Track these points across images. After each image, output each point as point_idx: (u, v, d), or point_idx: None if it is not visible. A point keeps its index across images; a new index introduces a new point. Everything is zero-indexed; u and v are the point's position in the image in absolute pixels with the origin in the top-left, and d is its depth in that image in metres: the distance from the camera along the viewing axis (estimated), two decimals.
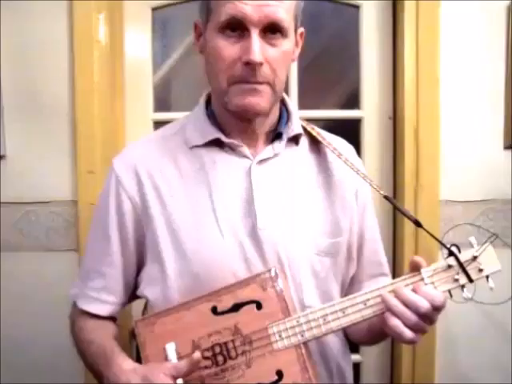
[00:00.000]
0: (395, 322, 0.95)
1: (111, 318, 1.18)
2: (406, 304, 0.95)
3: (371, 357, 2.00)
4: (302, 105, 1.94)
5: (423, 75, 1.79)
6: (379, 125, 1.94)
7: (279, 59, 1.03)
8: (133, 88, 1.93)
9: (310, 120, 1.93)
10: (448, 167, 1.82)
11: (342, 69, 2.01)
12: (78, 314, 1.17)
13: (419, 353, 1.85)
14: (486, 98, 1.83)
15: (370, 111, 1.94)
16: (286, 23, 1.02)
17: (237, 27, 1.00)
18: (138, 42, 1.93)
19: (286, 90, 1.92)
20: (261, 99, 1.03)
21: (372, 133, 1.94)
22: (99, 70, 1.77)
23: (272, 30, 1.01)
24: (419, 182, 1.81)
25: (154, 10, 1.93)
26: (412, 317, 0.95)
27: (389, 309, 0.96)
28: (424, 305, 0.95)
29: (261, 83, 1.02)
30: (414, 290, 0.97)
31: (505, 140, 1.83)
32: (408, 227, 1.81)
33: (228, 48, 1.01)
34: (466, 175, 1.84)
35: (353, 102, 1.97)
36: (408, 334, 0.95)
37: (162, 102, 1.99)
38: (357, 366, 2.01)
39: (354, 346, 1.96)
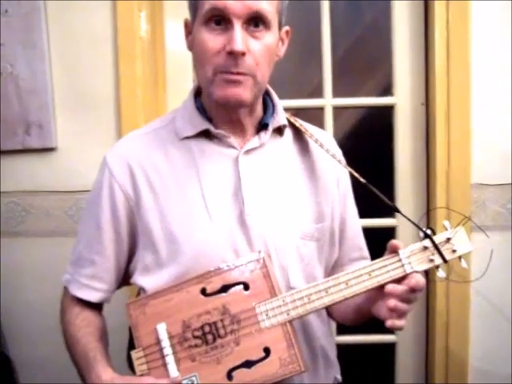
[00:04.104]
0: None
1: (100, 305, 1.23)
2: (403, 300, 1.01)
3: (406, 338, 2.03)
4: (336, 93, 1.98)
5: (454, 61, 1.80)
6: (412, 111, 1.95)
7: (262, 52, 1.06)
8: (174, 81, 2.00)
9: (344, 107, 2.01)
10: (479, 151, 1.83)
11: (375, 57, 2.03)
12: (69, 300, 1.21)
13: (453, 334, 1.88)
14: None
15: (403, 98, 1.96)
16: (269, 15, 1.05)
17: (221, 21, 1.04)
18: (178, 37, 1.99)
19: (320, 79, 1.98)
20: (243, 90, 1.06)
21: (405, 119, 1.96)
22: (142, 65, 1.86)
23: (255, 23, 1.05)
24: (451, 165, 1.82)
25: None
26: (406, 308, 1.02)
27: (393, 309, 1.01)
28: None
29: (243, 74, 1.05)
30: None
31: None
32: (441, 210, 1.83)
33: (212, 40, 1.05)
34: (496, 158, 1.83)
35: (386, 89, 1.99)
36: (403, 323, 1.02)
37: None
38: (392, 347, 2.06)
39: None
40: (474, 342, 1.89)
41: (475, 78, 1.82)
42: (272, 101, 1.23)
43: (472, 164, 1.83)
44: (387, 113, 1.99)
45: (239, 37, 1.02)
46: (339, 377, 1.28)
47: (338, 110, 2.00)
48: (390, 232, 1.99)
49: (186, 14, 1.96)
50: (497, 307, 1.87)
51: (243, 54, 1.03)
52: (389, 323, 1.01)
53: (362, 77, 2.05)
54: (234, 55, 1.03)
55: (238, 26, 1.03)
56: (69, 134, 1.90)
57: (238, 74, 1.05)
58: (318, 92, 2.00)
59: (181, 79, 2.01)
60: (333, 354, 1.27)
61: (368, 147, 2.01)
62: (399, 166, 1.98)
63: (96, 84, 1.88)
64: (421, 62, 1.94)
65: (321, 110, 1.98)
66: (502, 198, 1.84)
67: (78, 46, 1.87)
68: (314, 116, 1.99)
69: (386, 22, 1.97)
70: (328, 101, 1.98)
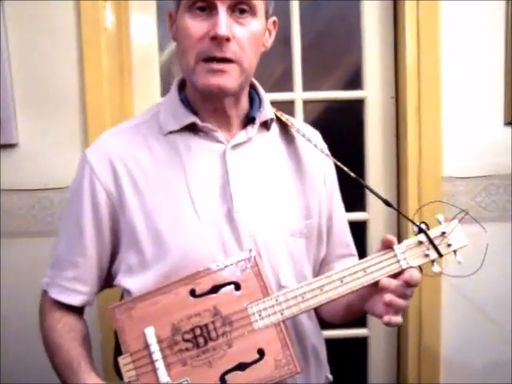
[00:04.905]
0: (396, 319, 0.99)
1: (82, 309, 1.18)
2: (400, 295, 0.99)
3: (378, 331, 2.03)
4: (306, 86, 1.96)
5: (424, 54, 1.80)
6: (382, 104, 1.95)
7: (247, 38, 1.03)
8: (140, 73, 1.94)
9: (314, 101, 1.99)
10: (450, 144, 1.84)
11: (345, 50, 2.02)
12: (49, 305, 1.15)
13: (426, 327, 1.89)
14: (487, 76, 1.84)
15: (373, 91, 1.95)
16: (255, 1, 1.03)
17: (205, 7, 1.01)
18: (144, 28, 1.95)
19: (290, 72, 1.96)
20: (227, 79, 1.03)
21: (375, 112, 1.96)
22: (107, 57, 1.79)
23: (241, 9, 1.02)
24: (422, 159, 1.83)
25: None
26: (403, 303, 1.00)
27: (389, 304, 0.99)
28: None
29: (228, 61, 1.02)
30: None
31: (505, 116, 1.85)
32: (412, 203, 1.85)
33: (196, 25, 1.01)
34: (467, 152, 1.85)
35: (355, 82, 1.98)
36: (400, 320, 1.00)
37: (169, 85, 2.01)
38: (364, 341, 2.06)
39: (361, 321, 2.04)
40: (445, 334, 1.90)
41: (445, 71, 1.82)
42: (258, 95, 1.19)
43: (443, 157, 1.84)
44: (357, 106, 1.98)
45: (223, 21, 0.99)
46: (330, 376, 1.26)
47: (306, 104, 1.98)
48: (361, 226, 1.99)
49: (151, 4, 1.93)
50: (468, 299, 1.89)
51: (227, 39, 1.00)
52: (385, 319, 0.99)
53: (330, 70, 2.03)
54: (218, 40, 1.00)
55: (222, 11, 1.00)
56: (31, 131, 1.81)
57: (223, 61, 1.02)
58: (281, 84, 1.98)
59: (147, 71, 1.95)
60: (323, 352, 1.25)
61: (338, 141, 1.97)
62: (369, 160, 1.98)
63: (59, 78, 1.80)
64: (390, 56, 1.94)
65: (291, 103, 1.96)
66: (473, 191, 1.86)
67: (38, 39, 1.79)
68: (283, 109, 1.96)
69: (355, 14, 1.95)
70: (298, 94, 1.96)
